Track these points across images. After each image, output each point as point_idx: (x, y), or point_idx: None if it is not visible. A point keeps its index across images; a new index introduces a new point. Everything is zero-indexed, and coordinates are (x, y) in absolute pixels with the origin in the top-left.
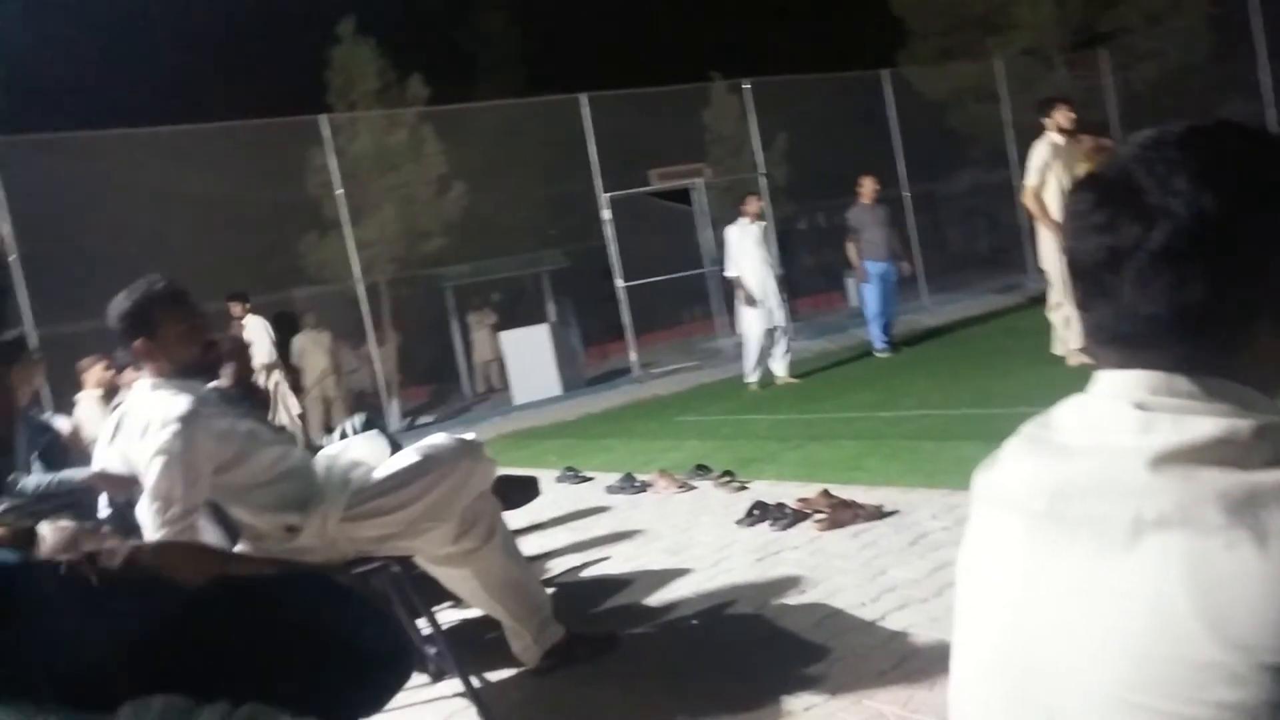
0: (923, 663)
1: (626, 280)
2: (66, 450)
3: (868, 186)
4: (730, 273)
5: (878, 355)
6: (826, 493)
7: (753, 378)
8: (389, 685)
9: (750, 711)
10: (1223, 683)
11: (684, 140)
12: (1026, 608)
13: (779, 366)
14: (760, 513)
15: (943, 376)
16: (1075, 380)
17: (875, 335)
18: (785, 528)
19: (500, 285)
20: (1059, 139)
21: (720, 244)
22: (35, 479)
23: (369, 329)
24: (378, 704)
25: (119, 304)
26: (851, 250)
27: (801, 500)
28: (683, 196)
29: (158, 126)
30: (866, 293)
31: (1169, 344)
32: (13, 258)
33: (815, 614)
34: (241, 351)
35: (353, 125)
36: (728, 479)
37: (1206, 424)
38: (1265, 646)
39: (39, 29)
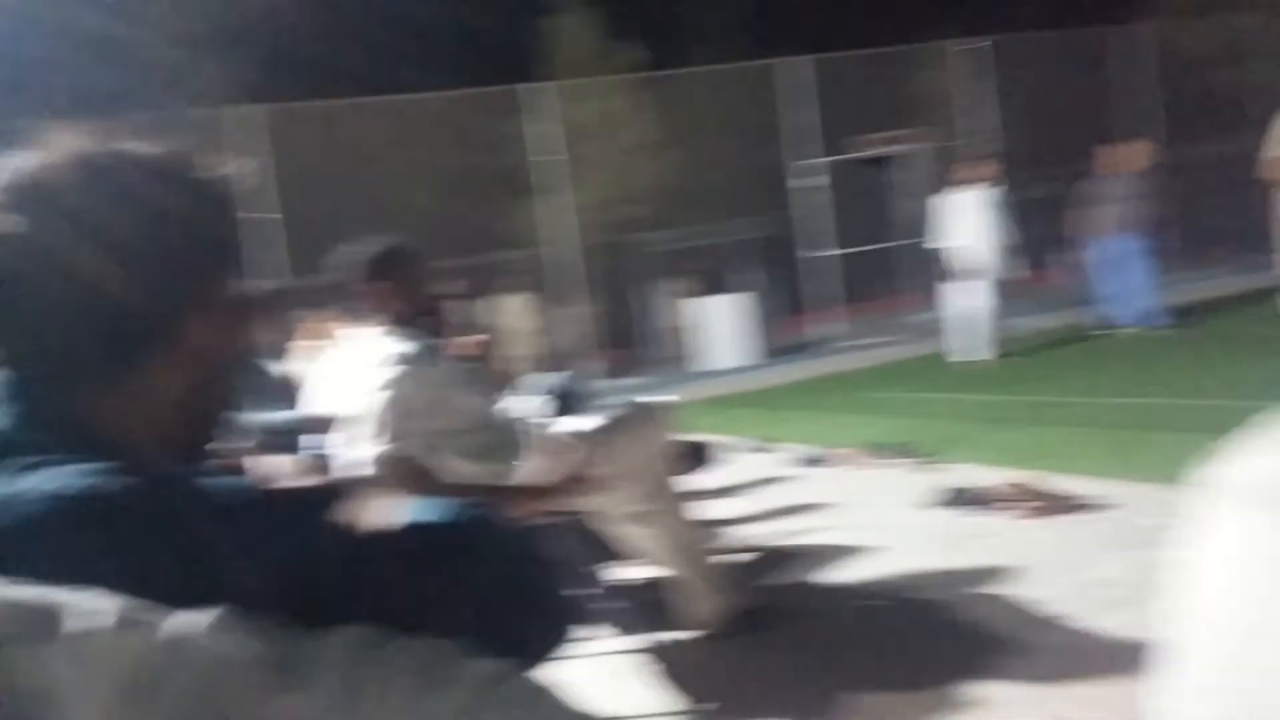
0: (1126, 669)
1: (827, 250)
2: (286, 393)
3: (1123, 153)
4: (941, 243)
5: (1124, 333)
6: (1028, 480)
7: (987, 354)
8: (555, 636)
9: (927, 701)
10: None
11: (896, 105)
12: (1273, 615)
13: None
14: (954, 497)
15: (1167, 362)
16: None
17: (1123, 312)
18: (980, 514)
19: (700, 252)
20: None
21: (933, 213)
22: (263, 417)
23: (571, 292)
24: (542, 654)
25: (356, 256)
26: (1083, 221)
27: (1000, 486)
28: (894, 164)
29: (385, 96)
30: (1104, 268)
31: None
32: (276, 217)
33: (1009, 606)
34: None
35: (568, 92)
36: (921, 460)
37: None
38: None
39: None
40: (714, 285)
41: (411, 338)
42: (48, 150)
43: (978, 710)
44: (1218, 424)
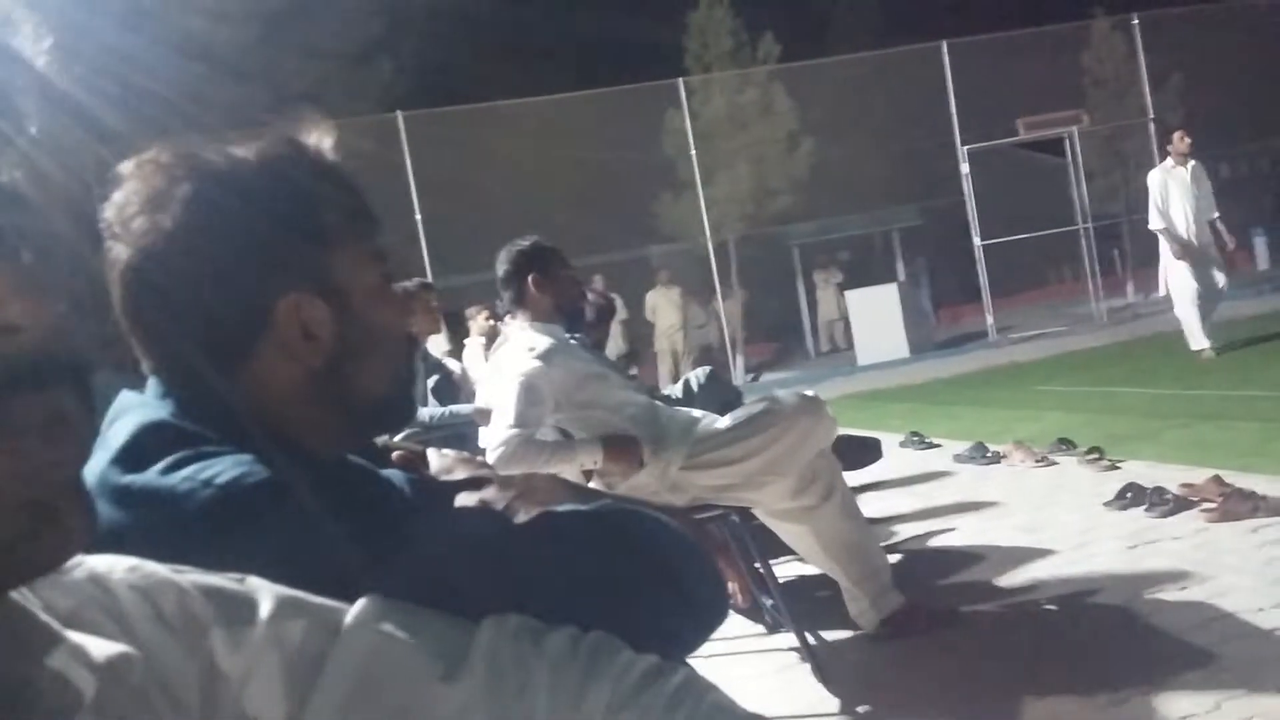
0: None
1: (986, 238)
2: (456, 388)
3: None
4: (1155, 224)
5: None
6: (1218, 479)
7: (1203, 342)
8: (704, 628)
9: (1109, 711)
10: None
11: (1057, 86)
12: None
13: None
14: (1134, 495)
15: None
16: None
17: None
18: (1165, 515)
19: (848, 243)
20: None
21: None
22: (429, 411)
23: (717, 285)
24: (690, 646)
25: (504, 255)
26: None
27: (1186, 486)
28: (1055, 147)
29: (527, 98)
30: None
31: None
32: (418, 218)
33: (1198, 614)
34: (605, 309)
35: (706, 86)
36: (1095, 456)
37: None
38: None
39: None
40: (869, 276)
41: (555, 331)
42: (155, 158)
43: None
44: None
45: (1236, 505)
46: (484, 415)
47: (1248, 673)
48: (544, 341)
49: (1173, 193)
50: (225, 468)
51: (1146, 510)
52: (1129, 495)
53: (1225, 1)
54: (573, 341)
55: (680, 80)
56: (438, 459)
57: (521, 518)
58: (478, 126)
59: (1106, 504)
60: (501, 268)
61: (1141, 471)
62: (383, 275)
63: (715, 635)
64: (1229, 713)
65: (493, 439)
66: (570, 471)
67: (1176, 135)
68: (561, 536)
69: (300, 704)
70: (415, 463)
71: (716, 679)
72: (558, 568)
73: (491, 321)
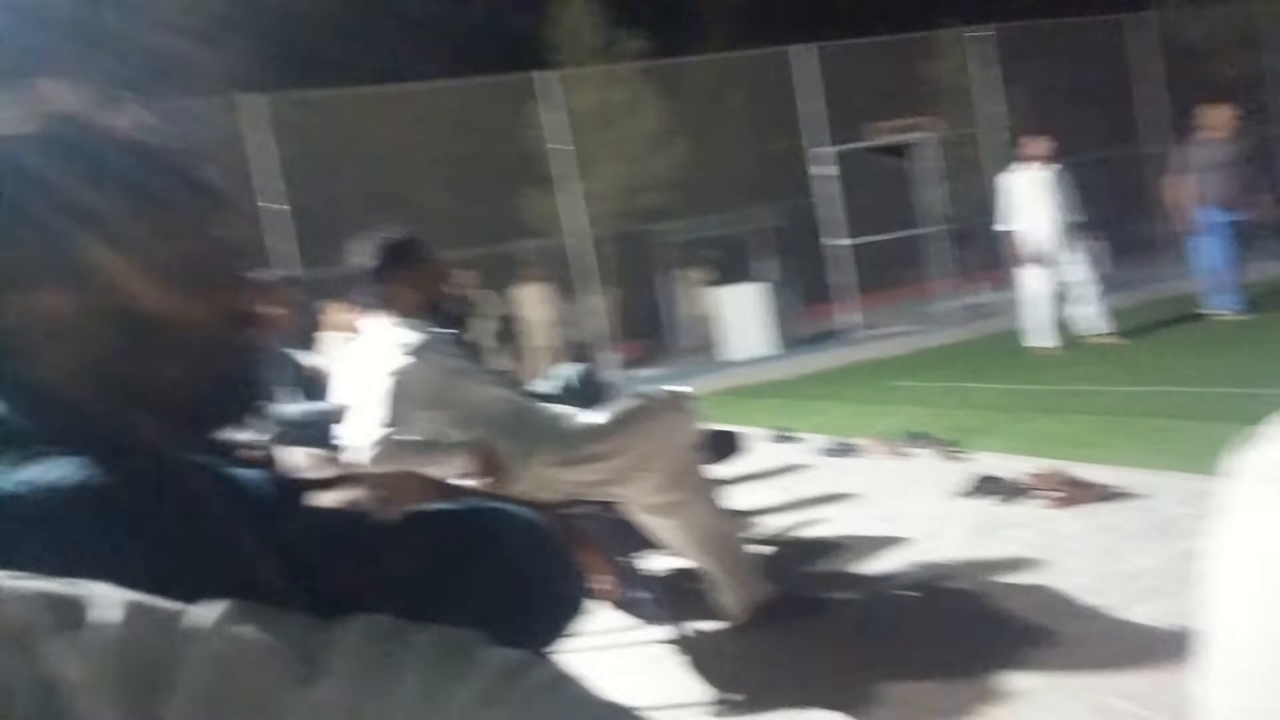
0: (1162, 658)
1: (844, 239)
2: (313, 384)
3: (1217, 116)
4: (1005, 225)
5: (1222, 317)
6: (1058, 469)
7: (1042, 340)
8: (565, 622)
9: (962, 690)
10: None
11: (907, 92)
12: None
13: (1092, 322)
14: (983, 485)
15: (1199, 349)
16: None
17: (1216, 297)
18: (1009, 503)
19: (715, 241)
20: None
21: (1000, 193)
22: (296, 408)
23: (587, 282)
24: (552, 640)
25: (366, 248)
26: (1178, 193)
27: (1029, 475)
28: (906, 152)
29: (393, 85)
30: (1203, 245)
31: None
32: (284, 208)
33: (1040, 596)
34: (473, 305)
35: (573, 81)
36: (947, 448)
37: None
38: None
39: None
40: (734, 274)
41: (424, 327)
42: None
43: (1013, 702)
44: (1255, 412)
45: (1075, 493)
46: (343, 414)
47: (1084, 649)
48: (411, 338)
49: (1027, 195)
50: (54, 468)
51: (994, 500)
52: (978, 485)
53: (1065, 19)
54: (440, 337)
55: (547, 74)
56: (298, 457)
57: (383, 517)
58: (344, 112)
59: (958, 494)
60: (365, 261)
61: (990, 463)
62: (181, 259)
63: (589, 629)
64: (1067, 687)
65: (363, 439)
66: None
67: (1035, 139)
68: (424, 535)
69: (144, 713)
70: (270, 461)
71: (589, 672)
72: (420, 566)
73: (354, 316)
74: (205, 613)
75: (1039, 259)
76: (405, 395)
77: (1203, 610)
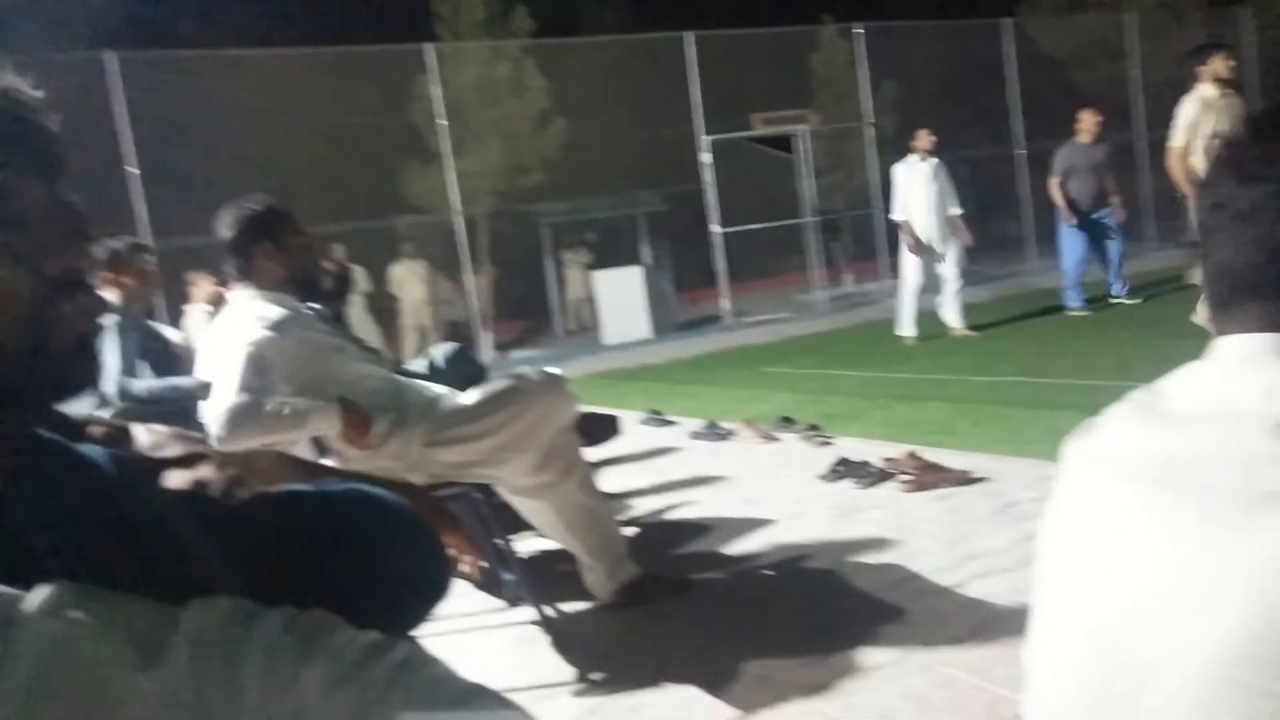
0: (1002, 632)
1: (723, 226)
2: (176, 359)
3: (1087, 121)
4: (896, 215)
5: (1070, 314)
6: (913, 454)
7: (908, 330)
8: (426, 604)
9: (819, 665)
10: None
11: (789, 85)
12: (1129, 579)
13: (951, 316)
14: (844, 469)
15: (1046, 343)
16: (1194, 356)
17: (1070, 293)
18: (868, 486)
19: (596, 224)
20: (1213, 93)
21: (893, 184)
22: (144, 384)
23: (465, 261)
24: (413, 622)
25: (229, 218)
26: (1058, 193)
27: (887, 460)
28: (785, 143)
29: (268, 49)
30: (1066, 241)
31: (1251, 303)
32: (134, 171)
33: (893, 575)
34: (343, 280)
35: (457, 55)
36: (812, 433)
37: None
38: None
39: None
40: (616, 258)
41: (288, 302)
42: None
43: (865, 676)
44: (1097, 402)
45: (927, 477)
46: (206, 389)
47: (933, 625)
48: (275, 312)
49: (913, 187)
50: None
51: (853, 483)
52: (839, 469)
53: (939, 20)
54: (307, 312)
55: (431, 46)
56: (147, 434)
57: (237, 496)
58: (207, 74)
59: (820, 477)
60: (228, 231)
61: (851, 447)
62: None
63: (456, 611)
64: (916, 660)
65: (214, 407)
66: (303, 442)
67: (922, 132)
68: (278, 516)
69: None
70: (118, 438)
71: (456, 654)
72: (272, 547)
73: (217, 289)
74: (33, 596)
75: (921, 249)
76: (262, 366)
77: (1035, 585)
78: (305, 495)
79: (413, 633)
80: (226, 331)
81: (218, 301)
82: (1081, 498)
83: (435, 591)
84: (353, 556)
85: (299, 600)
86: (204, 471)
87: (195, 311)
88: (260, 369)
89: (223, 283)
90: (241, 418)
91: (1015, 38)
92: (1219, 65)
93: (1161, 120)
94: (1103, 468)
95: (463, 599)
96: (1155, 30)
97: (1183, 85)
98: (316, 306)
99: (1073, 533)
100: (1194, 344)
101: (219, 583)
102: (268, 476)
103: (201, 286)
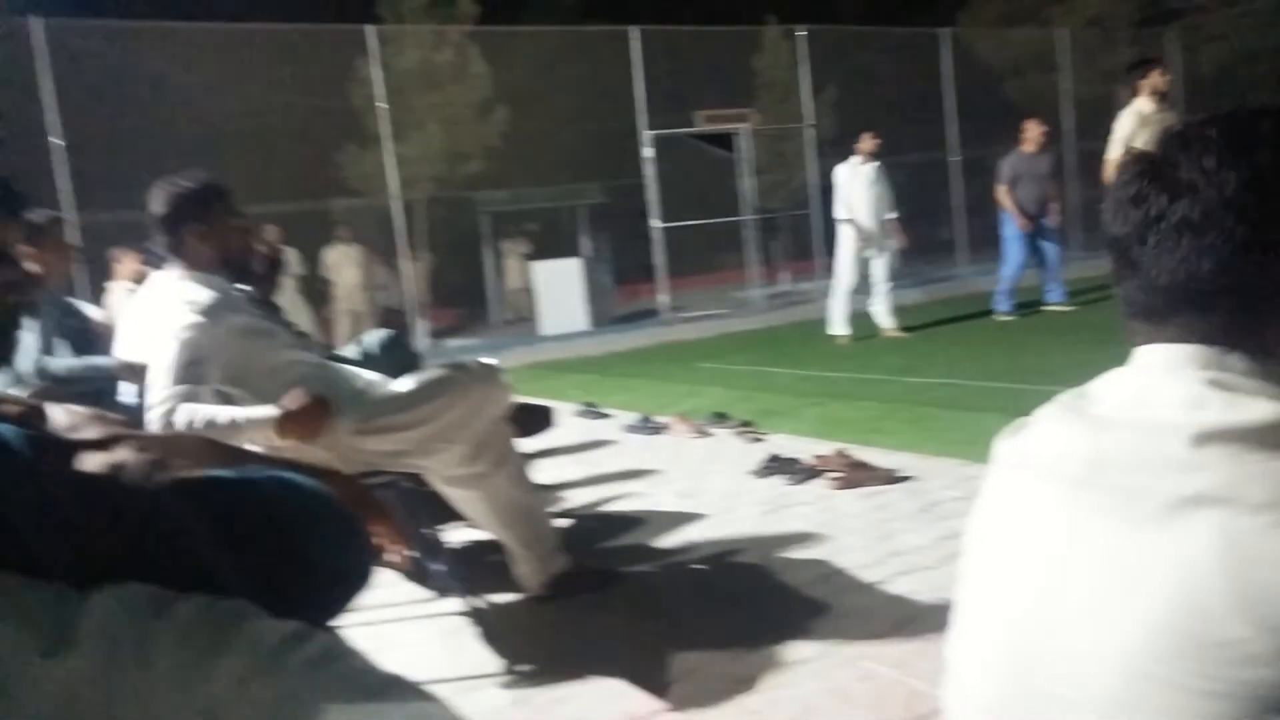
0: (922, 628)
1: (663, 221)
2: (97, 338)
3: (1032, 131)
4: (841, 214)
5: (999, 318)
6: (842, 452)
7: (841, 329)
8: (346, 594)
9: (745, 659)
10: (1241, 662)
11: (732, 84)
12: (1049, 574)
13: (884, 317)
14: (775, 465)
15: (974, 347)
16: (1119, 362)
17: (1003, 297)
18: (798, 482)
19: (536, 215)
20: (1150, 107)
21: (835, 185)
22: (63, 362)
23: (402, 246)
24: (332, 612)
25: (162, 195)
26: (1009, 200)
27: (817, 457)
28: (727, 141)
29: (204, 22)
30: (1012, 247)
31: (1186, 316)
32: (59, 142)
33: (820, 570)
34: (275, 262)
35: (400, 38)
36: (745, 429)
37: (1261, 406)
38: None
39: None
40: (555, 249)
41: (218, 284)
42: None
43: (789, 669)
44: (1022, 405)
45: (855, 474)
46: (128, 370)
47: (858, 619)
48: (204, 294)
49: (856, 189)
50: None
51: (784, 479)
52: (770, 465)
53: (880, 26)
54: (237, 295)
55: (373, 27)
56: (64, 415)
57: (156, 480)
58: (139, 45)
59: (752, 472)
60: (158, 208)
61: (782, 443)
62: None
63: (383, 601)
64: (840, 655)
65: (152, 401)
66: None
67: (866, 135)
68: (196, 502)
69: None
70: (33, 418)
71: (382, 644)
72: (189, 533)
73: (142, 267)
74: None
75: (860, 250)
76: (195, 355)
77: (959, 582)
78: (225, 481)
79: (336, 622)
80: (153, 314)
81: (141, 279)
82: (1008, 496)
83: (356, 582)
84: (272, 545)
85: (216, 589)
86: (122, 454)
87: (118, 289)
88: (194, 358)
89: (148, 260)
90: (180, 418)
91: (953, 47)
92: (1156, 80)
93: (1089, 133)
94: (1030, 467)
95: (390, 589)
96: (1085, 46)
97: (1111, 100)
98: (247, 289)
99: (998, 530)
100: (1119, 350)
101: (132, 569)
102: (188, 460)
103: (126, 264)
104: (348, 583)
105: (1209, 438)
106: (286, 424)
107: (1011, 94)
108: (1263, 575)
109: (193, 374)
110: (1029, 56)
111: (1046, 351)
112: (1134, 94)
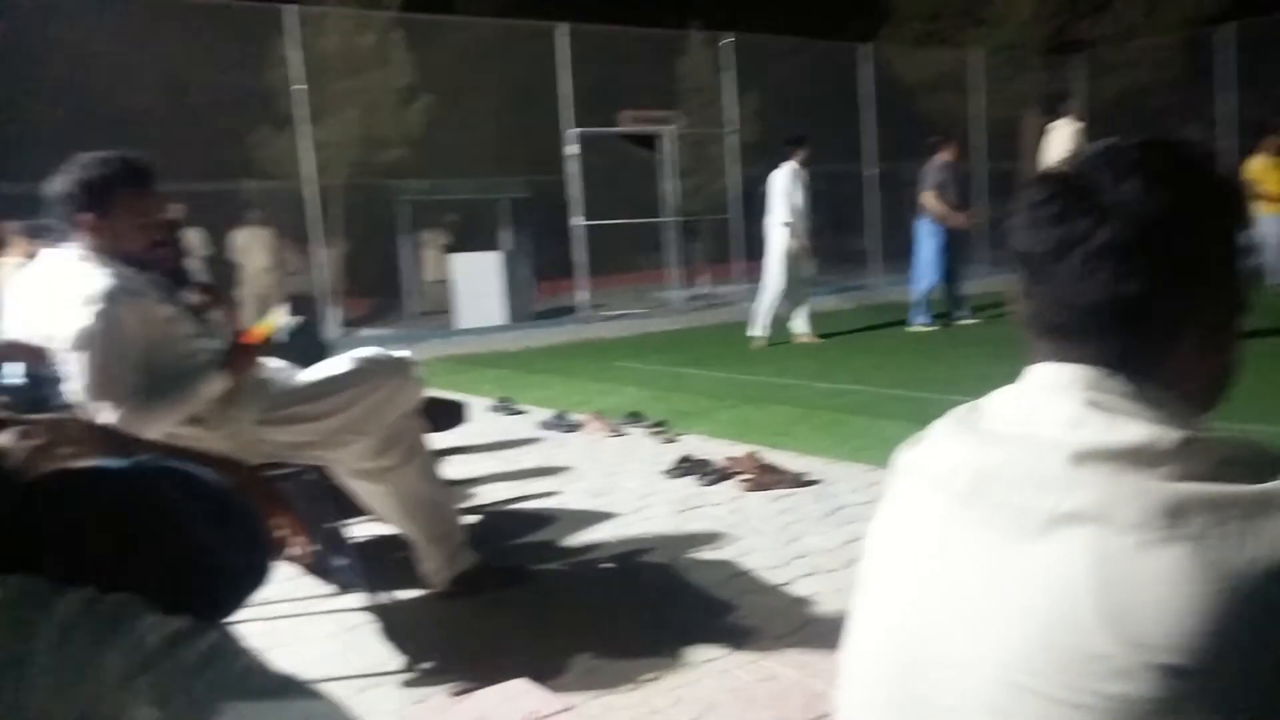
0: (824, 630)
1: (586, 219)
2: None
3: (950, 144)
4: (784, 219)
5: (915, 330)
6: (753, 455)
7: (761, 333)
8: (241, 591)
9: (649, 659)
10: (1109, 675)
11: (658, 86)
12: (934, 583)
13: (800, 324)
14: (687, 466)
15: (882, 355)
16: (1020, 373)
17: (920, 309)
18: (710, 484)
19: (457, 206)
20: (1077, 127)
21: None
22: None
23: (315, 232)
24: (226, 609)
25: (77, 171)
26: (939, 203)
27: (729, 459)
28: (651, 142)
29: None
30: (931, 257)
31: (1101, 338)
32: None
33: (727, 571)
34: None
35: (321, 20)
36: (659, 429)
37: (1137, 428)
38: (1158, 646)
39: None
40: (475, 242)
41: (112, 268)
42: None
43: (696, 668)
44: (927, 413)
45: (765, 477)
46: (15, 349)
47: (762, 620)
48: (104, 278)
49: (797, 194)
50: None
51: (695, 479)
52: (683, 465)
53: (804, 37)
54: (136, 278)
55: (294, 7)
56: None
57: (39, 468)
58: (40, 11)
59: (664, 472)
60: (61, 185)
61: (695, 445)
62: None
63: (284, 595)
64: (742, 655)
65: (93, 396)
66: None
67: (805, 142)
68: (83, 491)
69: None
70: None
71: (281, 640)
72: (74, 524)
73: (35, 243)
74: None
75: (785, 256)
76: (106, 341)
77: (857, 587)
78: (113, 471)
79: (234, 618)
80: (47, 294)
81: (29, 256)
82: (903, 506)
83: (252, 579)
84: (162, 539)
85: (102, 582)
86: (3, 440)
87: (7, 265)
88: (121, 349)
89: (35, 236)
90: (106, 405)
91: (873, 62)
92: (1074, 113)
93: (998, 152)
94: (924, 478)
95: (292, 583)
96: (998, 70)
97: (1018, 122)
98: (148, 271)
99: (893, 538)
100: (1018, 365)
101: (13, 561)
102: (76, 448)
103: (17, 242)
104: (243, 580)
105: (1086, 457)
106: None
107: (926, 111)
108: (1130, 592)
109: (123, 370)
110: (944, 76)
111: (952, 362)
112: (1068, 114)
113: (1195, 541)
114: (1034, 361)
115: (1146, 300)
